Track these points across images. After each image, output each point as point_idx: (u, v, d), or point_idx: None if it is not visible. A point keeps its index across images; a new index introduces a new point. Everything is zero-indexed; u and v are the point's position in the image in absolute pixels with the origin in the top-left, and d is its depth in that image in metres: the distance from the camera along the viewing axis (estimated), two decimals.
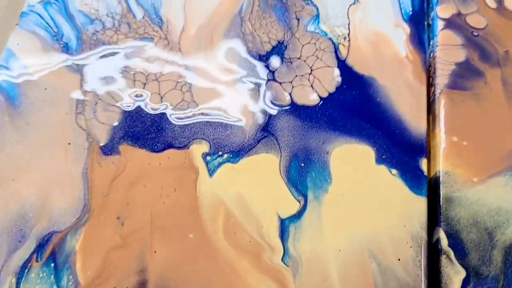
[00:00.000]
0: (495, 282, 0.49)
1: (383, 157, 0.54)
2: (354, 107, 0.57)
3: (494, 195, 0.52)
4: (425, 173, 0.54)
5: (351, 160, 0.54)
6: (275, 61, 0.59)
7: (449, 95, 0.58)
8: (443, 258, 0.50)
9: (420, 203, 0.53)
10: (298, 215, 0.51)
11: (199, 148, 0.54)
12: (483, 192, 0.52)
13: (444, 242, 0.50)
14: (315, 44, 0.60)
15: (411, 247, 0.50)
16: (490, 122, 0.57)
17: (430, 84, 0.59)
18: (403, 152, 0.55)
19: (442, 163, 0.54)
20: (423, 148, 0.55)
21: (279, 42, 0.60)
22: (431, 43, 0.61)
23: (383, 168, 0.54)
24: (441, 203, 0.52)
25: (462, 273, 0.49)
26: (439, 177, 0.53)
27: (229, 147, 0.54)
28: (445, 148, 0.55)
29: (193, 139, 0.54)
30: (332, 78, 0.58)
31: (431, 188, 0.53)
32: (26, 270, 0.48)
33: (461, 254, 0.50)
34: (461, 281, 0.49)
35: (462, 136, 0.55)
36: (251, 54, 0.59)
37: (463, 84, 0.58)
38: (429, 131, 0.57)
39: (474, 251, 0.50)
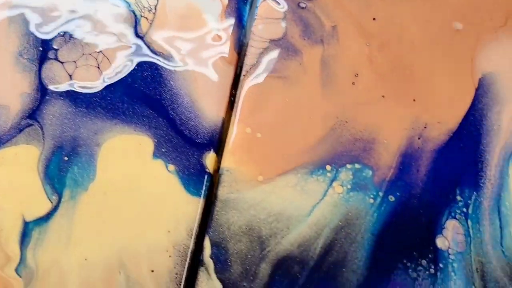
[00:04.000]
0: None
1: (163, 150, 0.46)
2: (143, 92, 0.49)
3: (279, 197, 0.44)
4: (209, 171, 0.46)
5: (125, 153, 0.46)
6: (61, 38, 0.51)
7: (253, 78, 0.49)
8: (201, 271, 0.42)
9: (193, 206, 0.45)
10: (47, 217, 0.44)
11: None
12: (267, 194, 0.44)
13: (206, 252, 0.42)
14: (113, 16, 0.52)
15: (170, 256, 0.43)
16: (296, 111, 0.48)
17: (238, 65, 0.50)
18: (188, 145, 0.46)
19: (226, 158, 0.45)
20: (213, 141, 0.47)
21: (72, 11, 0.51)
22: (250, 16, 0.52)
23: (160, 163, 0.46)
24: (215, 206, 0.44)
25: None
26: (220, 175, 0.45)
27: None
28: (235, 141, 0.46)
29: None
30: (123, 58, 0.50)
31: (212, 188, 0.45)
32: None
33: (223, 266, 0.41)
34: None
35: (257, 127, 0.46)
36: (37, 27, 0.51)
37: (274, 66, 0.49)
38: (228, 122, 0.49)
39: (239, 263, 0.42)
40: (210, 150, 0.47)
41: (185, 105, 0.48)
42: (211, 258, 0.42)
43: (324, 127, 0.47)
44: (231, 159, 0.46)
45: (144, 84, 0.49)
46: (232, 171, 0.45)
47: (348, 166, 0.45)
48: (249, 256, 0.42)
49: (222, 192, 0.44)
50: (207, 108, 0.48)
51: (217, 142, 0.47)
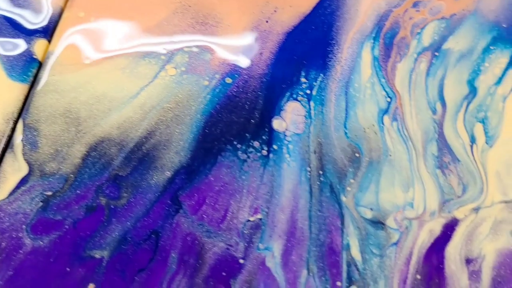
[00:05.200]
0: (63, 181, 0.36)
1: None
2: None
3: (105, 80, 0.40)
4: (37, 57, 0.42)
5: None
6: None
7: None
8: (8, 153, 0.38)
9: (16, 92, 0.40)
10: None
11: None
12: (92, 76, 0.40)
13: (17, 135, 0.38)
14: None
15: None
16: None
17: None
18: (18, 32, 0.43)
19: (54, 42, 0.41)
20: (47, 28, 0.43)
21: None
22: None
23: None
24: (35, 89, 0.40)
25: (24, 171, 0.37)
26: (46, 59, 0.41)
27: None
28: (66, 25, 0.42)
29: None
30: None
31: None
32: None
33: (32, 148, 0.37)
34: (18, 180, 0.36)
35: (91, 12, 0.42)
36: None
37: None
38: None
39: (50, 144, 0.37)
40: (41, 37, 0.43)
41: None
42: (22, 141, 0.38)
43: (165, 10, 0.43)
44: (60, 43, 0.41)
45: None
46: (59, 54, 0.41)
47: (186, 49, 0.41)
48: (62, 137, 0.38)
49: (44, 75, 0.40)
50: None
51: (51, 30, 0.43)
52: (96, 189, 0.37)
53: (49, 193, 0.37)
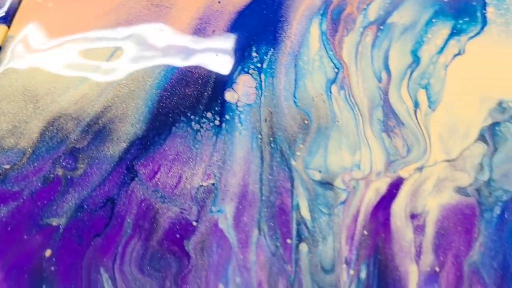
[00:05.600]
0: (20, 155, 0.37)
1: None
2: None
3: (63, 61, 0.41)
4: None
5: None
6: None
7: None
8: None
9: None
10: None
11: None
12: (50, 57, 0.42)
13: None
14: None
15: None
16: None
17: None
18: None
19: (13, 27, 0.43)
20: (7, 15, 0.44)
21: None
22: None
23: None
24: None
25: None
26: (5, 42, 0.42)
27: None
28: (25, 11, 0.44)
29: None
30: None
31: None
32: None
33: None
34: None
35: None
36: None
37: None
38: None
39: (8, 121, 0.39)
40: (1, 22, 0.44)
41: None
42: None
43: None
44: (18, 28, 0.43)
45: None
46: (17, 38, 0.42)
47: (141, 29, 0.43)
48: (20, 114, 0.39)
49: (4, 58, 0.41)
50: None
51: (11, 16, 0.45)
52: (53, 161, 0.38)
53: (7, 166, 0.38)
